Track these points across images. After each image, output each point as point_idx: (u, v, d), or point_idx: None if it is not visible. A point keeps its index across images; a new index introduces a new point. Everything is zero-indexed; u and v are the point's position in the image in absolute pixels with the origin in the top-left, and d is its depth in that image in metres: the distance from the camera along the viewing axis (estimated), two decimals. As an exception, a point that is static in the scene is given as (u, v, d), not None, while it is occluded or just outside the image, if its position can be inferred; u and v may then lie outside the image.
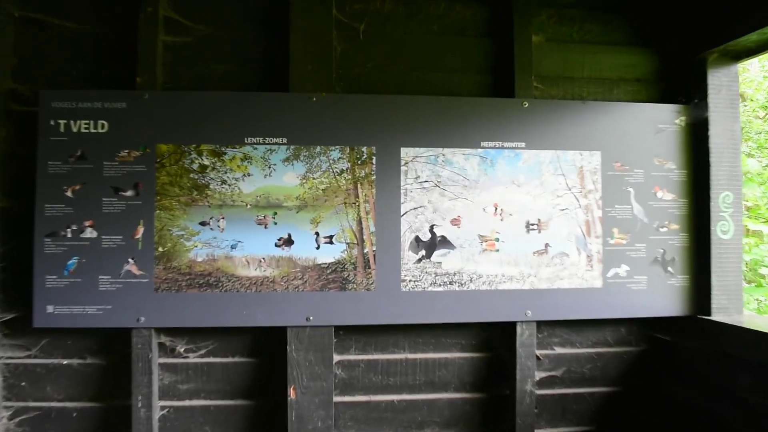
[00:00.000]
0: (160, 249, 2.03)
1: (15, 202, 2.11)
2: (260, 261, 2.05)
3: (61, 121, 2.07)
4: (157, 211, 2.04)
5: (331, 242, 2.07)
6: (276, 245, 2.06)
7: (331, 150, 2.09)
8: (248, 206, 2.06)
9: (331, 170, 2.09)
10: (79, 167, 2.07)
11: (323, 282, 2.07)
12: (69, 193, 2.05)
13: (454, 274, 2.12)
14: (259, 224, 2.07)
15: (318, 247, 2.07)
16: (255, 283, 2.05)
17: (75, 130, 2.07)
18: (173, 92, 2.12)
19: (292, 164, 2.08)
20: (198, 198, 2.05)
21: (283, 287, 2.06)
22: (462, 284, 2.12)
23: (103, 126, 2.06)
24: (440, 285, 2.11)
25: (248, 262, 2.05)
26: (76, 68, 2.18)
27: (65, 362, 2.14)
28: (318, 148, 2.09)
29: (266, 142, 2.08)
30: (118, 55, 2.16)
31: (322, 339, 2.10)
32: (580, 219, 2.19)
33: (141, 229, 2.03)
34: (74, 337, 2.14)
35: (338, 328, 2.15)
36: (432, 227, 2.12)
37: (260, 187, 2.08)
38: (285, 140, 2.08)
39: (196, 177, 2.05)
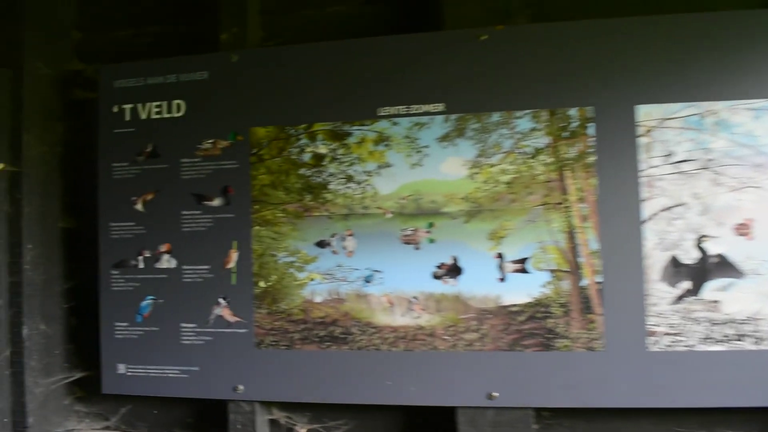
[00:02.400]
0: (262, 284, 1.54)
1: (82, 222, 1.82)
2: (410, 301, 1.52)
3: (126, 107, 1.72)
4: (256, 227, 1.55)
5: (523, 270, 1.41)
6: (434, 276, 1.52)
7: (518, 117, 1.42)
8: (388, 215, 1.50)
9: (519, 150, 1.40)
10: (151, 168, 1.70)
11: (514, 335, 1.40)
12: (139, 206, 1.69)
13: (745, 322, 1.32)
14: (407, 243, 1.54)
15: (503, 279, 1.44)
16: (403, 337, 1.46)
17: (144, 116, 1.71)
18: (271, 49, 1.58)
19: (455, 144, 1.48)
20: (313, 205, 1.53)
21: (449, 344, 1.44)
22: (760, 339, 1.31)
23: (178, 108, 1.64)
24: (720, 341, 1.37)
25: (392, 304, 1.52)
26: (148, 34, 1.76)
27: (150, 440, 1.70)
28: (495, 116, 1.44)
29: (412, 111, 1.50)
30: (197, 7, 1.79)
31: (515, 429, 1.42)
32: None
33: (234, 255, 1.59)
34: (162, 405, 1.80)
35: (541, 410, 1.45)
36: (700, 240, 1.35)
37: (405, 183, 1.55)
38: (441, 107, 1.49)
39: (308, 174, 1.55)
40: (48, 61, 1.77)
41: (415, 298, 1.52)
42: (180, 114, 1.64)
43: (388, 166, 1.53)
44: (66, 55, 1.85)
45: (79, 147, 1.82)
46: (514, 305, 1.46)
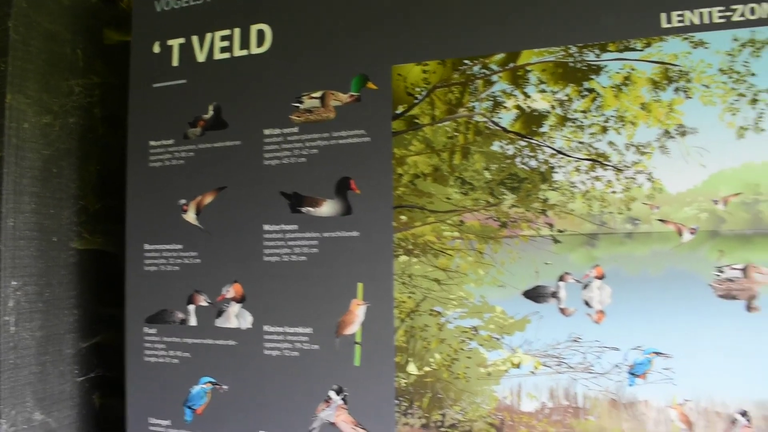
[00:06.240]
0: (413, 369, 0.88)
1: (113, 241, 1.22)
2: (734, 422, 0.80)
3: (173, 43, 1.11)
4: (402, 258, 0.88)
5: None
6: None
7: None
8: (685, 236, 0.78)
9: None
10: (212, 148, 1.07)
11: None
12: (191, 215, 1.06)
13: None
14: (727, 297, 0.80)
15: None
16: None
17: (202, 57, 1.09)
18: None
19: None
20: (520, 216, 0.83)
21: None
22: None
23: (260, 38, 1.06)
24: None
25: (689, 425, 0.76)
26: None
27: None
28: None
29: (737, 17, 0.82)
30: None
31: None
32: None
33: (359, 311, 0.93)
34: None
35: None
36: None
37: (724, 170, 0.80)
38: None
39: (510, 152, 0.87)
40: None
41: (743, 414, 0.76)
42: (262, 49, 0.98)
43: (684, 132, 0.71)
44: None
45: (110, 118, 1.22)
46: None
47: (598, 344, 0.81)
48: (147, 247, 1.05)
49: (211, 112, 1.02)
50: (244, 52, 1.01)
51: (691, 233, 0.78)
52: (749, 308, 0.76)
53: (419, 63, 0.90)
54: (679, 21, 0.79)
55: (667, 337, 0.79)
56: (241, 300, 0.98)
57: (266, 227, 0.96)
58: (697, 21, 0.79)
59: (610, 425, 0.80)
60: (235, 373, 0.98)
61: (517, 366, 0.84)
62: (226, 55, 1.03)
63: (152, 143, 1.06)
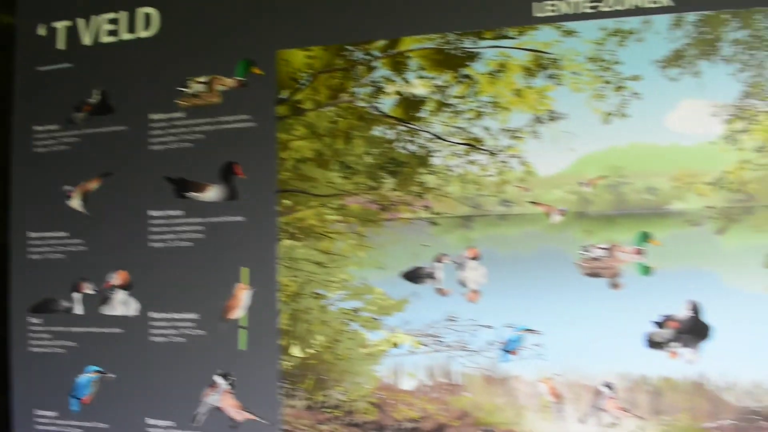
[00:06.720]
0: (297, 352, 0.85)
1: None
2: (598, 393, 0.83)
3: (58, 25, 1.07)
4: (287, 242, 0.85)
5: None
6: (652, 342, 0.80)
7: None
8: (554, 217, 0.82)
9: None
10: (98, 133, 1.02)
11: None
12: (76, 201, 1.01)
13: None
14: (593, 275, 0.83)
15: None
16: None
17: (88, 40, 1.06)
18: None
19: (696, 73, 0.82)
20: (399, 199, 0.81)
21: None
22: None
23: (147, 21, 1.03)
24: None
25: (558, 397, 0.77)
26: None
27: None
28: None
29: (603, 7, 0.84)
30: None
31: None
32: None
33: (244, 295, 0.84)
34: None
35: None
36: None
37: (592, 154, 0.84)
38: (666, -3, 0.70)
39: (391, 137, 0.87)
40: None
41: (608, 386, 0.77)
42: (150, 33, 0.96)
43: (554, 118, 0.74)
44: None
45: None
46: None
47: (473, 323, 0.83)
48: (31, 234, 1.02)
49: (97, 97, 0.99)
50: (131, 37, 0.99)
51: (561, 214, 0.81)
52: (613, 285, 0.79)
53: (304, 48, 0.90)
54: (550, 10, 0.82)
55: (537, 315, 0.81)
56: (126, 287, 0.96)
57: (152, 213, 0.95)
58: (566, 11, 0.81)
59: (485, 400, 0.82)
60: (121, 360, 0.97)
61: (397, 346, 0.85)
62: (113, 39, 1.00)
63: (37, 128, 1.03)
